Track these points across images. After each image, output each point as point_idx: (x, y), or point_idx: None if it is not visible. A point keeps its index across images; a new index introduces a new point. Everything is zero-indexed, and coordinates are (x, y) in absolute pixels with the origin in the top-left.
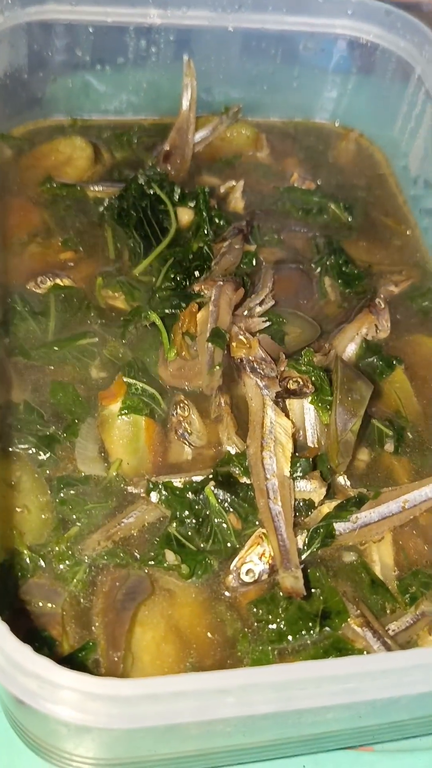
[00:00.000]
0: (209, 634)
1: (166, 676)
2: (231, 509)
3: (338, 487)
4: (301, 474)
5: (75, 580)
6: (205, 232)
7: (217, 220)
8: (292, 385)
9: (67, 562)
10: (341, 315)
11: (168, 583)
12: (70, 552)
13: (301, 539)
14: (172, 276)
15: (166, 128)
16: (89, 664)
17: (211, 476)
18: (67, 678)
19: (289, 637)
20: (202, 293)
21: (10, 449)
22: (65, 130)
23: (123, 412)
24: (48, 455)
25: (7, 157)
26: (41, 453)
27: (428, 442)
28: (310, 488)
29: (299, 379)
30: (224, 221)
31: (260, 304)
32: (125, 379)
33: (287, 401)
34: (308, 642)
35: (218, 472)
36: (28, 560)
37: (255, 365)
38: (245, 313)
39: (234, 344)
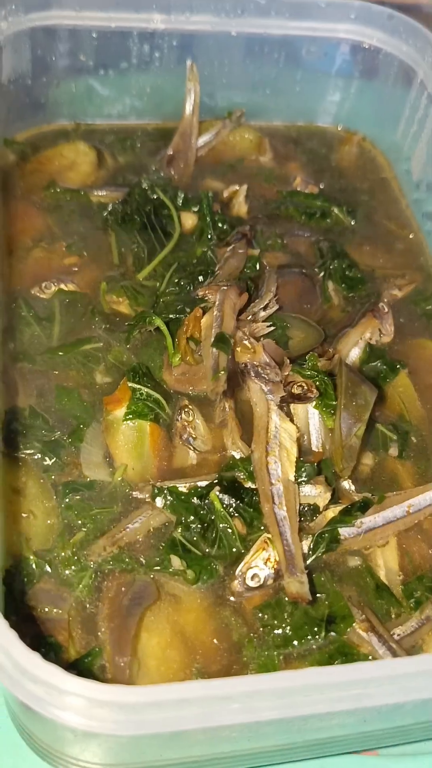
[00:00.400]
0: (215, 640)
1: (172, 683)
2: (236, 514)
3: (343, 491)
4: (305, 479)
5: (81, 586)
6: (209, 236)
7: (220, 225)
8: (296, 390)
9: (72, 567)
10: (345, 319)
11: (173, 588)
12: (75, 557)
13: (306, 544)
14: (176, 281)
15: (169, 133)
16: (95, 670)
17: (216, 481)
18: (74, 684)
19: (295, 642)
20: (206, 298)
21: (16, 455)
22: (69, 135)
23: (128, 417)
24: (53, 460)
25: (10, 162)
26: (46, 458)
27: None
28: (314, 493)
29: (303, 384)
30: (228, 226)
31: (264, 308)
32: (130, 384)
33: (292, 406)
34: (314, 647)
35: (223, 477)
36: (34, 566)
37: (259, 370)
38: (249, 317)
39: (238, 349)
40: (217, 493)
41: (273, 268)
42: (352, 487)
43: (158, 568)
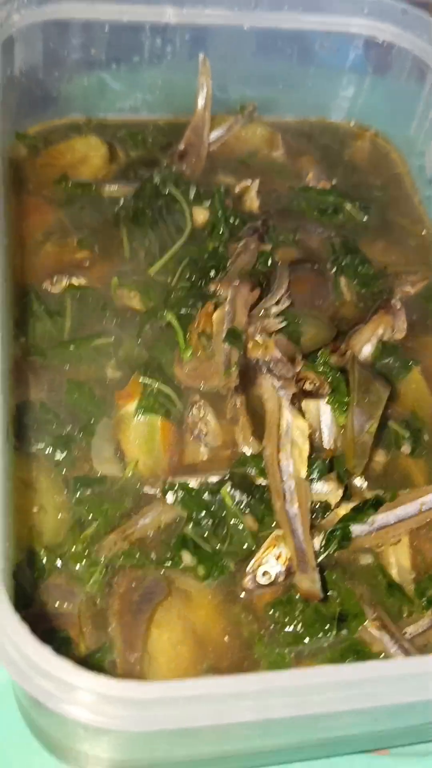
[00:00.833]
0: (225, 637)
1: (182, 680)
2: (247, 510)
3: (355, 489)
4: (317, 476)
5: (92, 581)
6: (221, 231)
7: (232, 220)
8: (308, 386)
9: (83, 562)
10: (357, 316)
11: (184, 584)
12: (86, 552)
13: (318, 541)
14: (188, 276)
15: (181, 127)
16: (106, 666)
17: (227, 477)
18: (84, 679)
19: (306, 640)
20: (218, 293)
21: (27, 449)
22: (80, 129)
23: (139, 412)
24: (64, 455)
25: (22, 155)
26: (57, 453)
27: None
28: (326, 490)
29: (315, 380)
30: (239, 221)
31: (276, 304)
32: (141, 379)
33: (303, 402)
34: (324, 645)
35: (234, 473)
36: (45, 560)
37: (271, 366)
38: (261, 313)
39: (250, 345)
40: (229, 489)
41: (285, 263)
42: (364, 485)
43: (169, 564)
